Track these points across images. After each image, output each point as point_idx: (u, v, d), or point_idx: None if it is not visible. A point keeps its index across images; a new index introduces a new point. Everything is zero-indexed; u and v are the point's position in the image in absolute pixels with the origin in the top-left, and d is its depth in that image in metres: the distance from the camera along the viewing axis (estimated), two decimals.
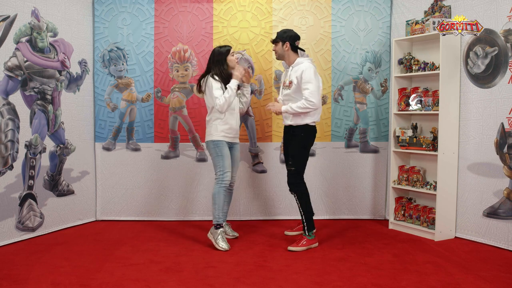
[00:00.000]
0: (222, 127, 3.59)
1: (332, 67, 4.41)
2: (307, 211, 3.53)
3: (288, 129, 3.64)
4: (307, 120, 3.51)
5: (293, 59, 3.58)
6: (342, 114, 4.45)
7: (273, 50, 3.65)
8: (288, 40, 3.54)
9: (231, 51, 3.66)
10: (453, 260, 3.22)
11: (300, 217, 3.60)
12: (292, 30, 3.64)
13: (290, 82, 3.53)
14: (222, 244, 3.45)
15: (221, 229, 3.54)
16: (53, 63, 3.92)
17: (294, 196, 3.55)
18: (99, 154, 4.39)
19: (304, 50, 3.78)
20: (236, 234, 3.79)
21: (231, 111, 3.63)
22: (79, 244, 3.60)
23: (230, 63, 3.64)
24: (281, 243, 3.66)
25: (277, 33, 3.63)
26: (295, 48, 3.57)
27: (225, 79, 3.61)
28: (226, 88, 3.56)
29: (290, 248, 3.46)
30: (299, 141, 3.54)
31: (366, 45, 4.41)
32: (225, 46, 3.70)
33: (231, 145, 3.69)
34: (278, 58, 3.67)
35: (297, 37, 3.58)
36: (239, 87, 3.73)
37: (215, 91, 3.51)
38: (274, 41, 3.61)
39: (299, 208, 3.55)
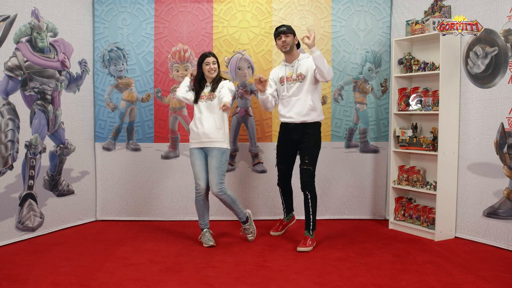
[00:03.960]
0: (191, 134, 3.66)
1: (332, 67, 4.40)
2: (316, 210, 3.54)
3: (299, 126, 3.57)
4: (321, 117, 3.60)
5: (296, 54, 3.63)
6: (342, 114, 4.45)
7: (284, 41, 3.53)
8: (295, 35, 3.61)
9: (205, 61, 3.58)
10: (453, 260, 3.22)
11: (283, 217, 3.86)
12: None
13: (300, 75, 3.55)
14: (206, 243, 3.58)
15: (205, 229, 3.66)
16: (53, 63, 3.92)
17: (307, 195, 3.50)
18: (99, 154, 4.39)
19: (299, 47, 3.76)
20: (212, 243, 3.58)
21: (198, 115, 3.59)
22: (79, 244, 3.60)
23: (204, 72, 3.63)
24: (281, 243, 3.66)
25: (286, 26, 3.58)
26: (298, 44, 3.66)
27: (200, 86, 3.65)
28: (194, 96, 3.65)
29: (300, 249, 3.43)
30: (315, 139, 3.58)
31: (366, 45, 4.41)
32: (202, 55, 3.64)
33: (206, 151, 3.59)
34: (286, 51, 3.58)
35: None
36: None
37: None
38: (288, 32, 3.54)
39: (309, 207, 3.51)
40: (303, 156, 3.56)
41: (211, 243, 3.54)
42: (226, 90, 3.50)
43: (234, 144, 4.41)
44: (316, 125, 3.60)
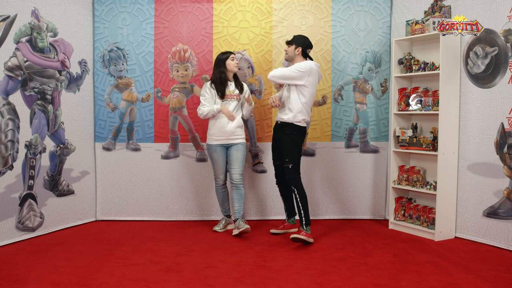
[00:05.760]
0: (211, 131, 3.94)
1: (332, 67, 4.41)
2: (306, 205, 3.64)
3: (281, 126, 3.76)
4: (296, 119, 3.68)
5: (295, 62, 3.76)
6: (342, 114, 4.45)
7: (285, 50, 3.77)
8: (301, 46, 3.73)
9: (230, 56, 3.91)
10: (453, 260, 3.22)
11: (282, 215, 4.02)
12: (308, 38, 3.80)
13: None
14: (215, 228, 4.04)
15: (224, 217, 4.11)
16: (53, 63, 3.92)
17: (294, 191, 3.65)
18: (99, 154, 4.39)
19: (312, 59, 3.82)
20: (246, 226, 3.79)
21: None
22: (79, 244, 3.60)
23: (228, 67, 3.90)
24: (281, 243, 3.66)
25: (295, 36, 3.78)
26: (305, 55, 3.77)
27: (223, 82, 3.90)
28: (219, 93, 3.88)
29: (293, 236, 3.54)
30: (292, 139, 3.71)
31: (366, 45, 4.41)
32: (226, 52, 3.96)
33: (228, 146, 3.92)
34: (287, 59, 3.81)
35: (310, 46, 3.81)
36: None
37: (200, 97, 3.95)
38: (289, 42, 3.74)
39: (298, 202, 3.63)
40: (277, 154, 3.82)
41: (217, 228, 4.00)
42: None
43: None
44: (293, 127, 3.69)
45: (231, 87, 3.94)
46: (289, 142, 3.69)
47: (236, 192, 3.91)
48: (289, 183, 3.68)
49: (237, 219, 3.88)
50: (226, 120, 3.86)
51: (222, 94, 3.88)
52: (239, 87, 3.97)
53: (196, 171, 4.40)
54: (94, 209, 4.40)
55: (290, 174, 3.67)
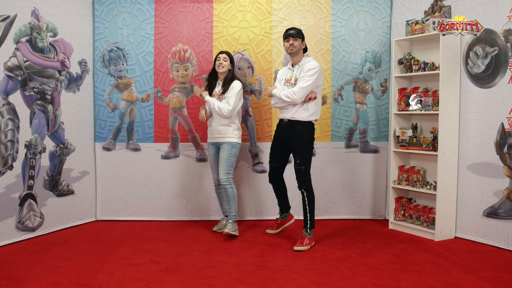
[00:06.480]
0: (207, 130, 4.02)
1: (332, 67, 4.41)
2: (313, 209, 3.58)
3: (289, 124, 3.61)
4: (312, 118, 3.59)
5: (300, 58, 3.66)
6: (342, 114, 4.45)
7: (291, 44, 3.57)
8: (304, 40, 3.67)
9: (217, 57, 3.90)
10: (453, 260, 3.22)
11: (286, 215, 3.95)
12: None
13: (296, 80, 3.58)
14: (215, 228, 4.04)
15: (224, 217, 4.10)
16: (53, 63, 3.92)
17: (303, 193, 3.56)
18: (99, 154, 4.39)
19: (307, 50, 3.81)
20: (227, 230, 3.73)
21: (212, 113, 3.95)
22: (79, 244, 3.60)
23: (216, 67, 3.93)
24: (281, 243, 3.66)
25: (296, 29, 3.62)
26: (305, 49, 3.74)
27: (211, 82, 3.97)
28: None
29: (296, 248, 3.45)
30: (304, 138, 3.58)
31: (366, 45, 4.40)
32: (220, 52, 3.97)
33: (219, 145, 3.92)
34: (291, 52, 3.62)
35: None
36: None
37: None
38: (296, 36, 3.59)
39: (305, 205, 3.55)
40: (280, 155, 3.69)
41: (217, 229, 4.00)
42: (231, 95, 3.79)
43: None
44: (305, 124, 3.57)
45: (218, 86, 3.91)
46: (302, 142, 3.56)
47: (225, 193, 3.86)
48: (299, 185, 3.58)
49: (228, 220, 3.86)
50: (211, 118, 3.90)
51: (209, 94, 3.95)
52: (226, 85, 3.84)
53: (196, 171, 4.40)
54: (94, 209, 4.40)
55: (301, 176, 3.56)
